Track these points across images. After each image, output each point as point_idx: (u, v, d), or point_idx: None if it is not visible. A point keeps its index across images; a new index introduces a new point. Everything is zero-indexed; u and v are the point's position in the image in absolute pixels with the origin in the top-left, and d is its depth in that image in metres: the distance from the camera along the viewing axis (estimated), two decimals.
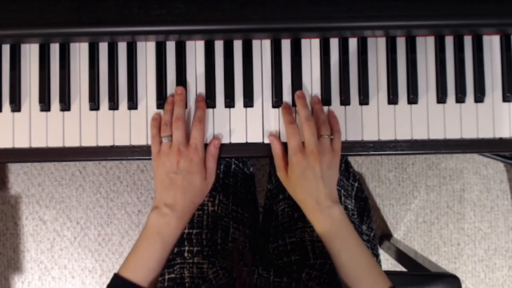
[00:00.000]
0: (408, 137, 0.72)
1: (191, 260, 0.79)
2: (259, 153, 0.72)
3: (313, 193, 0.66)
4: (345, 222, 0.66)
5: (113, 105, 0.71)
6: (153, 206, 0.67)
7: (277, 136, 0.71)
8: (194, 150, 0.67)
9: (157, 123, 0.70)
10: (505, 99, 0.72)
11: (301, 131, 0.68)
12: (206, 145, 0.71)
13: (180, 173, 0.66)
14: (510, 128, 0.72)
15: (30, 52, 0.72)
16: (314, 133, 0.67)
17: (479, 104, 0.72)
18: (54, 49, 0.72)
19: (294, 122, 0.69)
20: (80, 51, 0.72)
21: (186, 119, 0.69)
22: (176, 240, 0.67)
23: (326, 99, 0.71)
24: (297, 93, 0.71)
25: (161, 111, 0.72)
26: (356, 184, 0.98)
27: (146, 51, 0.72)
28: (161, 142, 0.68)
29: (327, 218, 0.65)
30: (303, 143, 0.68)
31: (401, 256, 1.30)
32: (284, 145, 0.70)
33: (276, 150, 0.70)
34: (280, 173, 0.70)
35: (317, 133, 0.68)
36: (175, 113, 0.69)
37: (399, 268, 1.34)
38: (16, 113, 0.72)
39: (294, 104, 0.72)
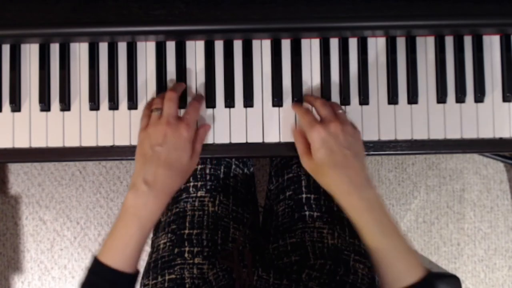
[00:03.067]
0: (408, 137, 0.72)
1: (191, 261, 0.79)
2: (259, 153, 0.72)
3: (343, 168, 0.61)
4: (381, 204, 0.62)
5: (113, 105, 0.71)
6: (130, 184, 0.63)
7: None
8: (185, 126, 0.63)
9: (151, 104, 0.69)
10: (505, 99, 0.72)
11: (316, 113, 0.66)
12: (205, 145, 0.71)
13: (166, 146, 0.62)
14: (510, 128, 0.72)
15: (30, 52, 0.72)
16: (329, 107, 0.64)
17: (479, 104, 0.72)
18: (54, 49, 0.72)
19: (306, 107, 0.68)
20: (80, 51, 0.72)
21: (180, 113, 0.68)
22: (154, 223, 0.64)
23: (326, 99, 0.71)
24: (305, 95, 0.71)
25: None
26: None
27: (146, 51, 0.72)
28: (149, 116, 0.66)
29: (363, 201, 0.61)
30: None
31: None
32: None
33: (297, 134, 0.66)
34: (303, 158, 0.65)
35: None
36: (170, 89, 0.67)
37: None
38: (16, 113, 0.72)
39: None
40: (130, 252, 0.62)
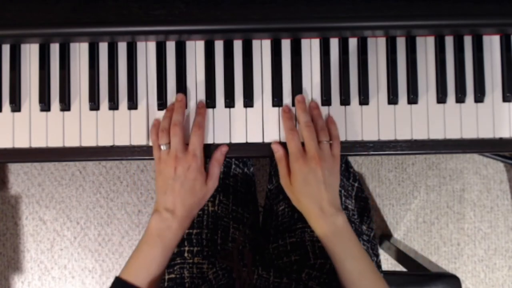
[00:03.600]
0: (408, 137, 0.72)
1: (191, 260, 0.79)
2: (259, 153, 0.72)
3: (316, 199, 0.66)
4: (348, 230, 0.67)
5: (113, 105, 0.71)
6: (154, 210, 0.67)
7: (280, 144, 0.71)
8: (192, 157, 0.67)
9: (156, 129, 0.70)
10: (505, 99, 0.72)
11: (301, 137, 0.69)
12: (205, 145, 0.71)
13: (178, 179, 0.66)
14: (510, 128, 0.72)
15: (30, 52, 0.72)
16: (314, 138, 0.67)
17: (479, 104, 0.72)
18: (54, 49, 0.72)
19: (294, 129, 0.69)
20: (80, 51, 0.72)
21: (184, 125, 0.69)
22: (177, 244, 0.67)
23: (326, 99, 0.71)
24: (297, 97, 0.71)
25: (161, 112, 0.72)
26: (356, 184, 0.98)
27: (146, 51, 0.72)
28: (160, 148, 0.69)
29: (331, 226, 0.66)
30: (303, 145, 0.68)
31: (401, 256, 1.30)
32: (287, 151, 0.70)
33: (280, 158, 0.70)
34: (283, 181, 0.70)
35: (316, 139, 0.68)
36: (173, 119, 0.69)
37: (399, 268, 1.34)
38: (16, 113, 0.72)
39: (293, 104, 0.72)
40: (153, 271, 0.65)
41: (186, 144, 0.69)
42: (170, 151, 0.67)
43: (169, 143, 0.68)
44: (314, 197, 0.66)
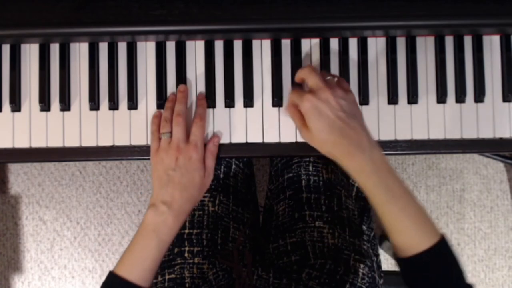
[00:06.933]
0: (408, 137, 0.72)
1: (191, 260, 0.79)
2: (259, 153, 0.72)
3: (341, 130, 0.59)
4: (389, 167, 0.60)
5: (113, 105, 0.71)
6: (150, 204, 0.66)
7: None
8: (193, 147, 0.66)
9: (158, 120, 0.70)
10: (505, 99, 0.72)
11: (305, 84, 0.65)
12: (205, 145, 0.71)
13: (179, 170, 0.65)
14: (510, 128, 0.72)
15: (30, 52, 0.72)
16: (316, 73, 0.63)
17: (479, 104, 0.72)
18: (54, 49, 0.72)
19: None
20: (80, 51, 0.72)
21: (187, 117, 0.69)
22: (172, 239, 0.66)
23: None
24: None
25: (162, 110, 0.72)
26: (356, 184, 0.98)
27: (146, 51, 0.72)
28: (160, 139, 0.68)
29: (369, 164, 0.58)
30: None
31: None
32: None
33: (293, 113, 0.66)
34: (302, 132, 0.64)
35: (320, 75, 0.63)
36: (176, 109, 0.68)
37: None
38: (16, 113, 0.72)
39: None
40: (147, 266, 0.63)
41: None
42: (171, 140, 0.66)
43: (170, 132, 0.67)
44: (337, 129, 0.59)
